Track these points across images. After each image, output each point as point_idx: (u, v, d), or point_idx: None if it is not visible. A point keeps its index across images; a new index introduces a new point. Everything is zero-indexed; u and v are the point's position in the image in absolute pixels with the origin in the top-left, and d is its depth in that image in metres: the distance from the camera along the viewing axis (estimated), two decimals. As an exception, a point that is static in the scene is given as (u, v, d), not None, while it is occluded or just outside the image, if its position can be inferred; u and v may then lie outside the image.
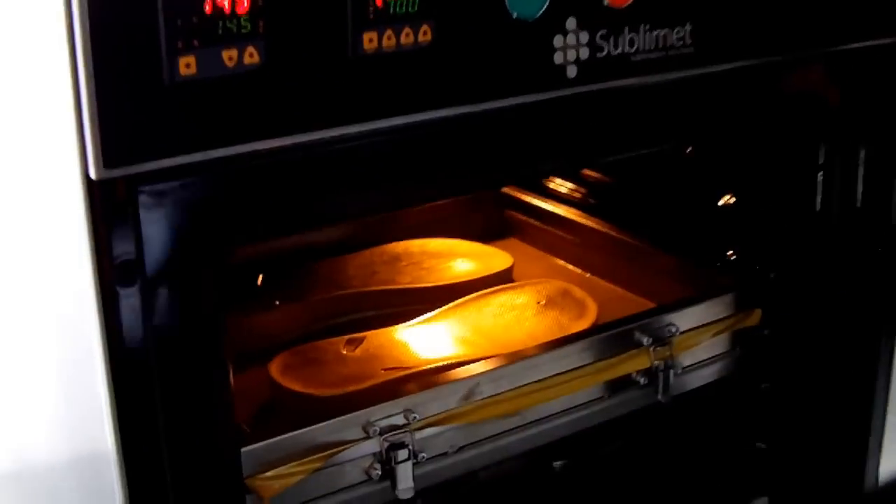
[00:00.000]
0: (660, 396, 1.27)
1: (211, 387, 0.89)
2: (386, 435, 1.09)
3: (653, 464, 1.38)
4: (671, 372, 1.26)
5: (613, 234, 1.53)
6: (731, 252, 1.39)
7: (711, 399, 1.36)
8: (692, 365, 1.31)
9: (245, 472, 1.00)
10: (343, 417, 1.07)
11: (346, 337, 1.31)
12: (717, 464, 1.40)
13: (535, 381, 1.18)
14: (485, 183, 1.20)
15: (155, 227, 0.80)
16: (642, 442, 1.37)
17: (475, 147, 0.95)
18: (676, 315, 1.28)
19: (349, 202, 0.94)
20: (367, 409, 1.08)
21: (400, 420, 1.10)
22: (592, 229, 1.56)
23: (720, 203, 1.39)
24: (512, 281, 1.50)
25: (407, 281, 1.47)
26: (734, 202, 1.38)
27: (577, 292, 1.42)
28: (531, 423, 1.20)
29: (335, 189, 0.91)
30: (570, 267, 1.55)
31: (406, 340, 1.31)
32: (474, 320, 1.36)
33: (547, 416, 1.21)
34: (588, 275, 1.52)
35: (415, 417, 1.10)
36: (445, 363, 1.24)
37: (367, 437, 1.08)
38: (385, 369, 1.24)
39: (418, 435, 1.11)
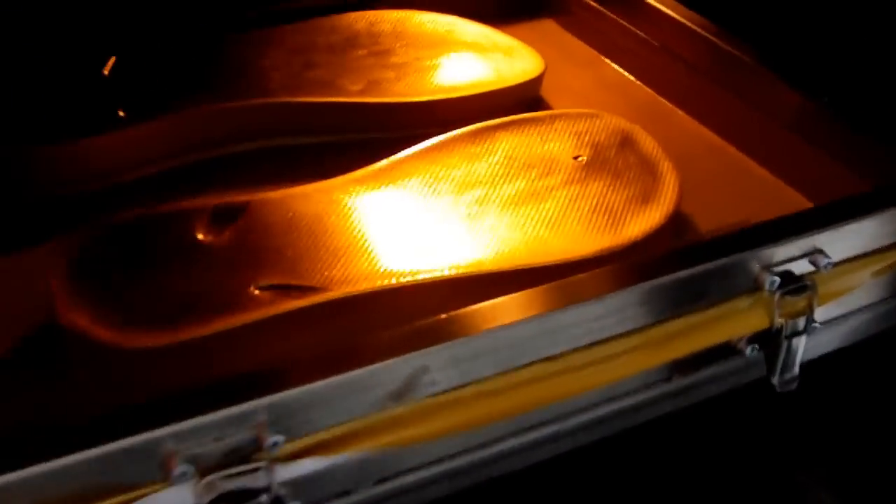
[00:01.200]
0: (775, 378, 0.68)
1: None
2: (211, 476, 0.51)
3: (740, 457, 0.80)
4: (803, 336, 0.66)
5: (714, 39, 0.91)
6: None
7: (847, 366, 0.77)
8: (831, 320, 0.72)
9: None
10: (119, 444, 0.49)
11: (214, 202, 0.71)
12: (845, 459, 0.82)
13: (557, 357, 0.59)
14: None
15: None
16: (724, 437, 0.78)
17: None
18: (829, 235, 0.67)
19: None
20: (173, 427, 0.50)
21: (246, 436, 0.51)
22: (681, 25, 0.93)
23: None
24: (539, 103, 0.88)
25: (358, 88, 0.86)
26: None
27: (647, 143, 0.82)
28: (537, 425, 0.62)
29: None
30: (638, 84, 0.93)
31: (318, 220, 0.71)
32: (457, 185, 0.76)
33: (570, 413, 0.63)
34: (666, 103, 0.93)
35: (276, 442, 0.52)
36: (381, 287, 0.65)
37: (167, 483, 0.50)
38: (262, 288, 0.64)
39: (286, 470, 0.53)
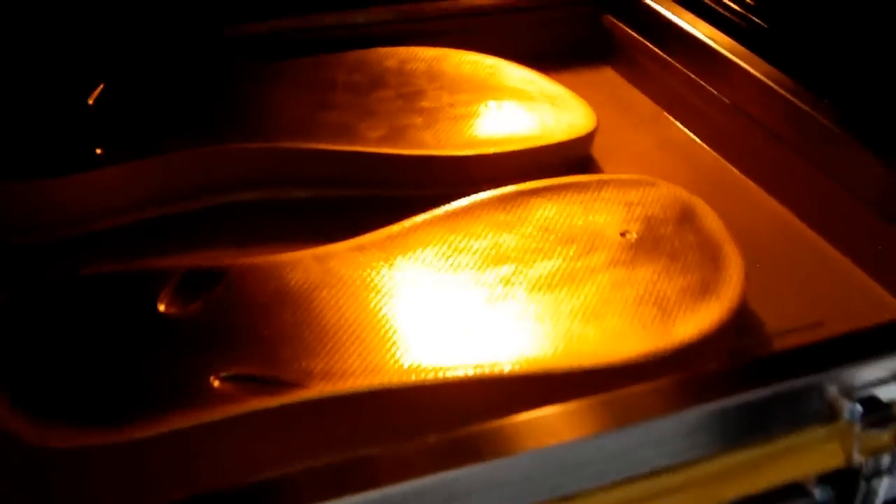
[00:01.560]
0: (850, 528, 0.56)
1: None
2: None
3: None
4: (885, 478, 0.54)
5: (794, 100, 0.79)
6: None
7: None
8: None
9: None
10: None
11: (187, 264, 0.60)
12: None
13: (577, 496, 0.47)
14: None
15: None
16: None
17: None
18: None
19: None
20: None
21: None
22: (757, 81, 0.82)
23: None
24: (588, 164, 0.81)
25: (378, 135, 0.75)
26: None
27: (709, 220, 0.70)
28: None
29: None
30: (704, 147, 0.81)
31: (307, 295, 0.59)
32: (480, 260, 0.65)
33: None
34: (734, 171, 0.83)
35: None
36: (367, 389, 0.53)
37: None
38: (224, 379, 0.53)
39: None
